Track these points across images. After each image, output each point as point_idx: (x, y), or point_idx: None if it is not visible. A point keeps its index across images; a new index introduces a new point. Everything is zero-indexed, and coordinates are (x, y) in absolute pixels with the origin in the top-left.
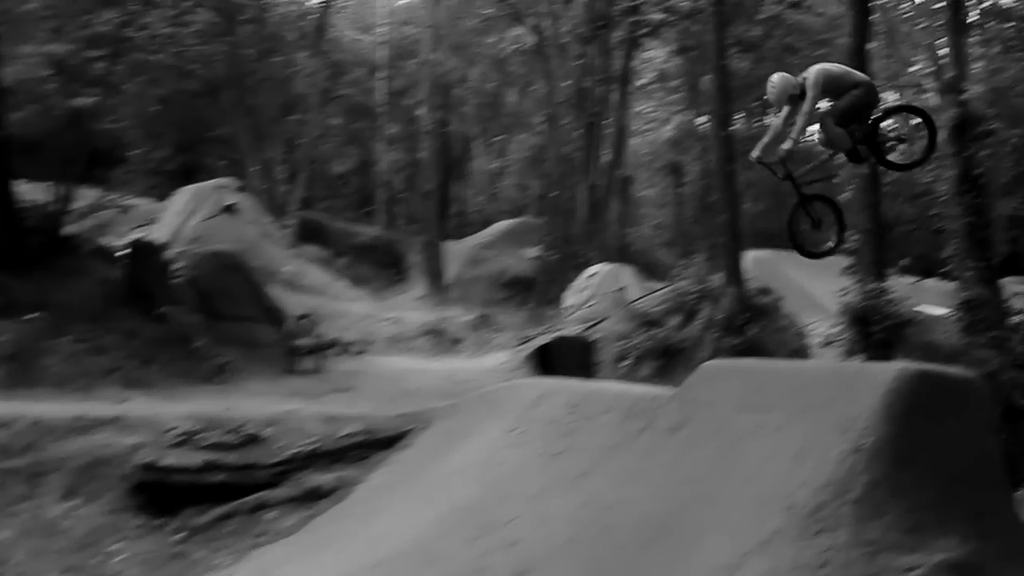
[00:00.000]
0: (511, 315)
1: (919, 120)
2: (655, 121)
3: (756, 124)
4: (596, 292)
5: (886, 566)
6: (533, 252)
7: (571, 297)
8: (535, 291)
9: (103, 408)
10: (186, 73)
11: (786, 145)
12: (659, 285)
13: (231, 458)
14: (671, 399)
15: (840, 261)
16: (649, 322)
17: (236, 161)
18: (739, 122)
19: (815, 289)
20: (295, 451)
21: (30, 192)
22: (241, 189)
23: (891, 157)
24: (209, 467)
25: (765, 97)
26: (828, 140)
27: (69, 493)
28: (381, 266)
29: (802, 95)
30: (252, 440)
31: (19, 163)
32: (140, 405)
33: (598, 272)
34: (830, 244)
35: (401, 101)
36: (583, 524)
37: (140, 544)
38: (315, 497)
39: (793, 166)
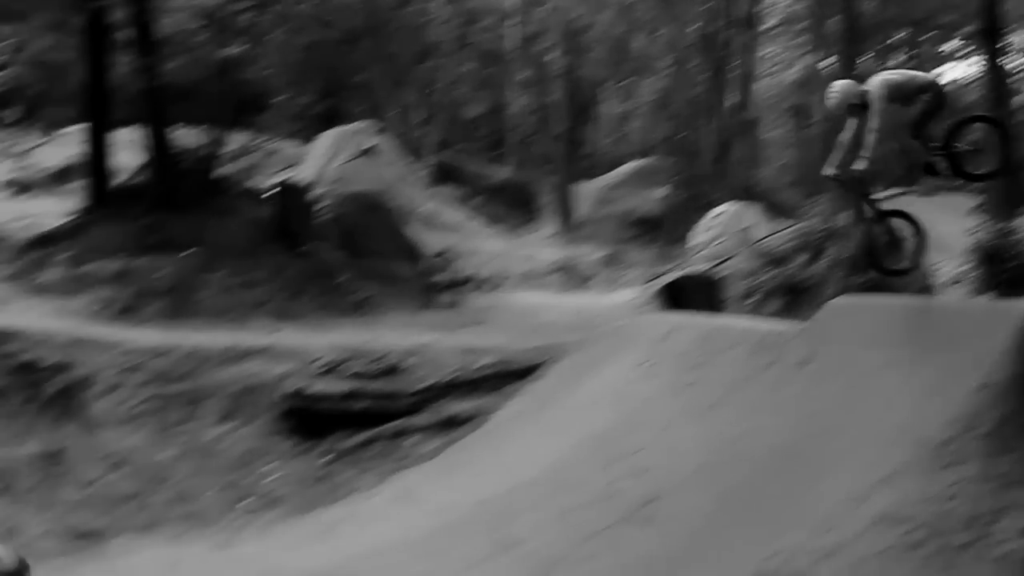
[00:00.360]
0: (639, 253)
1: (994, 130)
2: (780, 64)
3: (880, 67)
4: (722, 231)
5: (1015, 501)
6: (660, 192)
7: (698, 236)
8: (662, 230)
9: (254, 338)
10: (327, 22)
11: (860, 165)
12: (785, 224)
13: (374, 386)
14: (799, 334)
15: (967, 200)
16: (775, 260)
17: (375, 106)
18: (866, 63)
19: (941, 228)
20: (434, 381)
21: (184, 137)
22: (380, 132)
23: (968, 168)
24: (353, 395)
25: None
26: (904, 153)
27: (225, 417)
28: (513, 206)
29: (864, 106)
30: (393, 370)
31: (173, 110)
32: (288, 336)
33: (724, 211)
34: (908, 263)
35: (531, 47)
36: (712, 454)
37: (291, 465)
38: (453, 424)
39: (868, 182)
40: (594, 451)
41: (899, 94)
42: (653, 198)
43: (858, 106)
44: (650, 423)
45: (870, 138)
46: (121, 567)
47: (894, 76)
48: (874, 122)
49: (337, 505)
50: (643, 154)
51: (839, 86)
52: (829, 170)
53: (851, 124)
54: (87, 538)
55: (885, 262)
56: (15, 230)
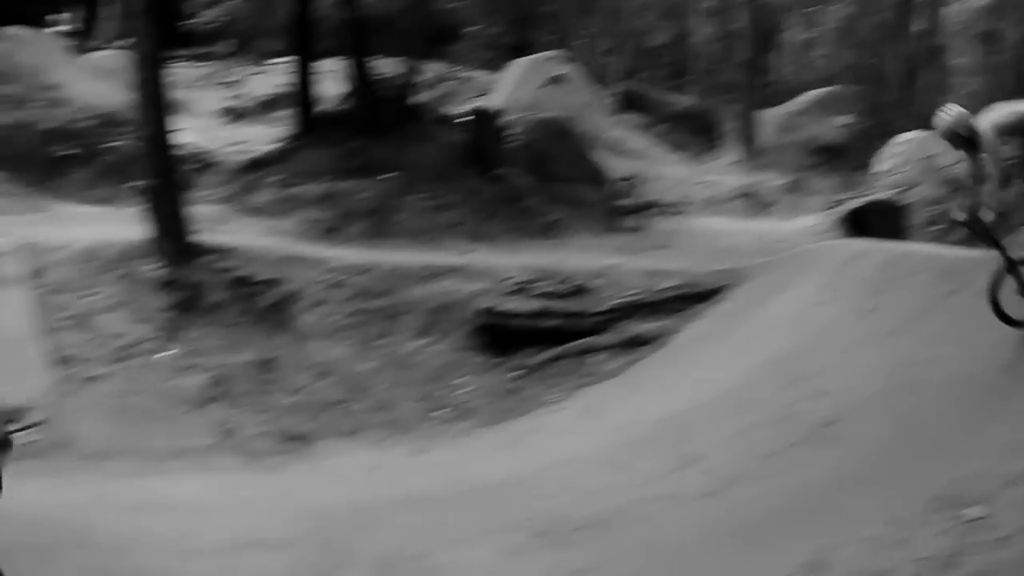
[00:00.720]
0: (821, 180)
1: None
2: None
3: None
4: (907, 159)
5: None
6: (844, 120)
7: (882, 163)
8: (845, 157)
9: (449, 258)
10: None
11: (987, 216)
12: None
13: (561, 306)
14: (985, 263)
15: None
16: (962, 188)
17: (562, 35)
18: None
19: None
20: (619, 301)
21: (383, 67)
22: (568, 61)
23: None
24: (542, 313)
25: None
26: None
27: (421, 332)
28: (696, 133)
29: (970, 141)
30: (580, 290)
31: (373, 41)
32: (480, 256)
33: (909, 139)
34: None
35: None
36: (893, 379)
37: (482, 379)
38: (636, 344)
39: (998, 226)
40: (775, 373)
41: (1015, 130)
42: (836, 125)
43: (964, 139)
44: (831, 347)
45: (991, 184)
46: (327, 468)
47: (1004, 116)
48: (990, 166)
49: (525, 418)
50: (826, 82)
51: (951, 113)
52: (959, 215)
53: (967, 165)
54: (296, 440)
55: (1013, 312)
56: (230, 155)
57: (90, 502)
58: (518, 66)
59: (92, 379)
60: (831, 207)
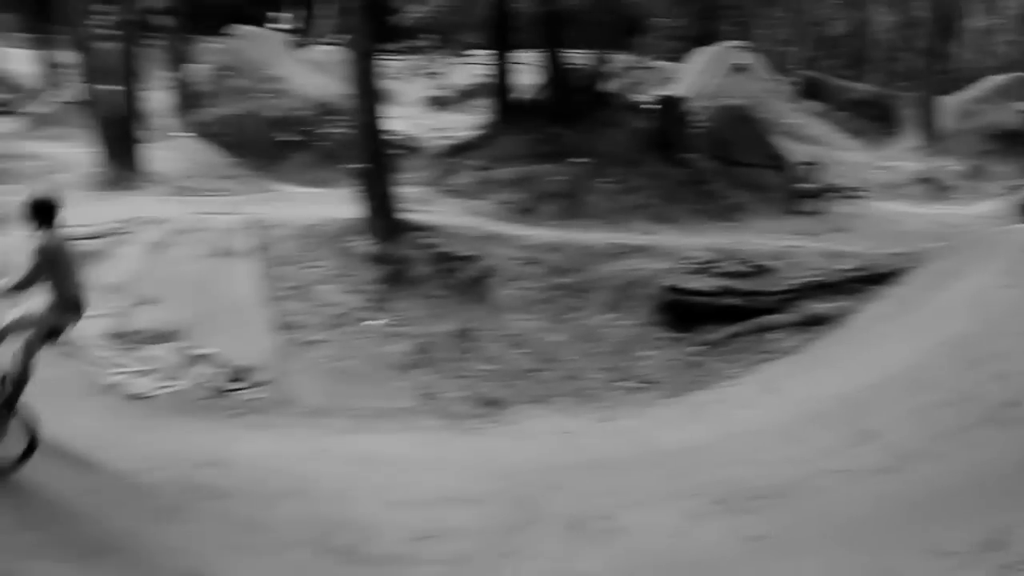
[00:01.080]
0: (1002, 166)
1: None
2: None
3: None
4: None
5: None
6: None
7: None
8: None
9: (635, 238)
10: None
11: None
12: None
13: (742, 285)
14: None
15: None
16: None
17: (744, 25)
18: None
19: None
20: (798, 281)
21: (574, 58)
22: (750, 50)
23: None
24: (723, 292)
25: None
26: None
27: (609, 307)
28: (874, 119)
29: None
30: (760, 270)
31: (566, 34)
32: (665, 237)
33: None
34: None
35: None
36: None
37: (664, 353)
38: (814, 323)
39: None
40: (953, 354)
41: None
42: (1017, 112)
43: None
44: (1011, 331)
45: None
46: (519, 431)
47: None
48: None
49: (706, 391)
50: (1007, 68)
51: None
52: None
53: None
54: (491, 405)
55: None
56: (433, 141)
57: (306, 455)
58: (702, 55)
59: (310, 343)
60: (1011, 193)
